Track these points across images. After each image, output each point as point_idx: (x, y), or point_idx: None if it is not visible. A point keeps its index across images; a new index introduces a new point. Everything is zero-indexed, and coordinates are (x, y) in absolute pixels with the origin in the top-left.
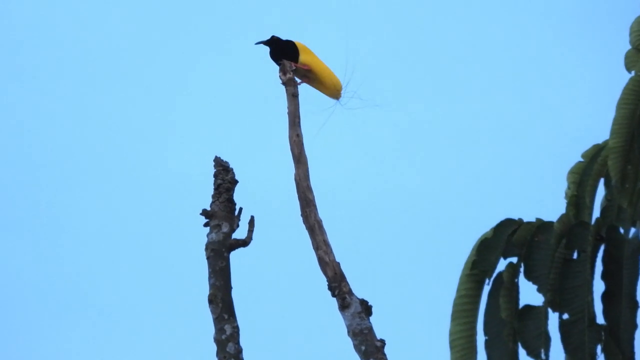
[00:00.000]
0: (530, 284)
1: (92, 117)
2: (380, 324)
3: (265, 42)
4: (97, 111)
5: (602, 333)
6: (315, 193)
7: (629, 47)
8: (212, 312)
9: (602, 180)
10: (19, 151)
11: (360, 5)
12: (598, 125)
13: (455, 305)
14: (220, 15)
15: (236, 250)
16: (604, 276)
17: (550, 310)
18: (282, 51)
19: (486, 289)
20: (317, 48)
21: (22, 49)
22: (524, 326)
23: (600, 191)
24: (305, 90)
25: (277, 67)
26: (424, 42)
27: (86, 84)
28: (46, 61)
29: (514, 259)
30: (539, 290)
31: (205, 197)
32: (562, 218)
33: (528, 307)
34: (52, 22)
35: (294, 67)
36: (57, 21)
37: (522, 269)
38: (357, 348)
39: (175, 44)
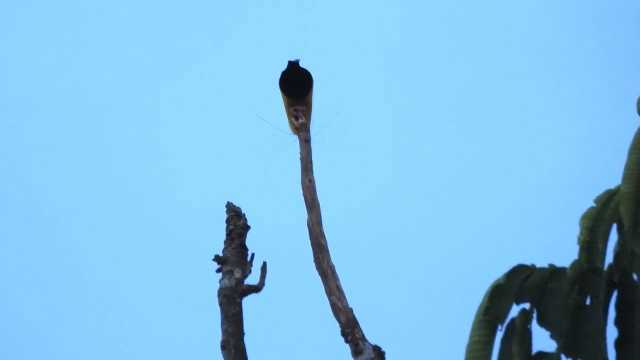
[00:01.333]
0: (543, 330)
1: (101, 161)
2: None
3: (291, 65)
4: (108, 155)
5: None
6: (328, 238)
7: None
8: (225, 358)
9: (614, 226)
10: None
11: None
12: (611, 171)
13: (468, 351)
14: (230, 54)
15: (249, 296)
16: (617, 322)
17: (563, 357)
18: (296, 79)
19: (499, 335)
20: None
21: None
22: None
23: (613, 236)
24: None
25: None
26: (427, 84)
27: (92, 126)
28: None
29: (527, 305)
30: (552, 336)
31: (217, 242)
32: (575, 264)
33: (541, 354)
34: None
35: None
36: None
37: (534, 315)
38: None
39: (186, 83)
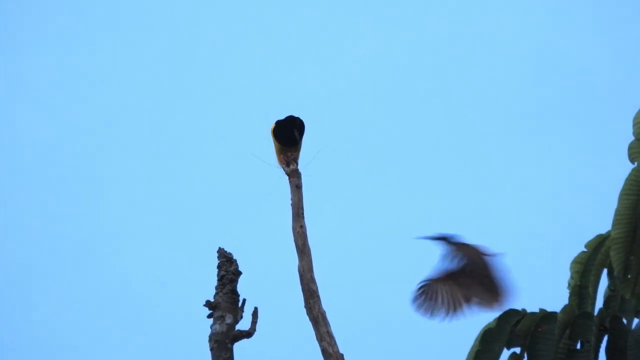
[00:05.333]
0: None
1: (92, 213)
2: None
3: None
4: (102, 192)
5: None
6: (318, 284)
7: (632, 138)
8: None
9: (605, 271)
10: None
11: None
12: (601, 215)
13: None
14: (221, 98)
15: (240, 341)
16: None
17: None
18: (289, 127)
19: None
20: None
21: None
22: None
23: (604, 281)
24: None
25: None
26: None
27: (80, 186)
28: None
29: (518, 349)
30: None
31: (209, 288)
32: (566, 308)
33: None
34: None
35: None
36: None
37: (525, 359)
38: None
39: (178, 129)
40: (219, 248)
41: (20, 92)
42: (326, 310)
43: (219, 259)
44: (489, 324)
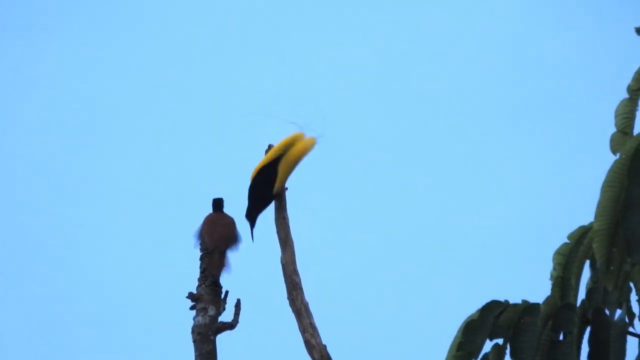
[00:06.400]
0: None
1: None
2: None
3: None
4: (86, 202)
5: None
6: (301, 276)
7: (613, 129)
8: None
9: (587, 262)
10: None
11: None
12: (584, 207)
13: None
14: (202, 89)
15: (222, 333)
16: (590, 358)
17: None
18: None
19: None
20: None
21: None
22: None
23: (586, 273)
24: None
25: (264, 144)
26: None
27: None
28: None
29: (500, 341)
30: None
31: (191, 280)
32: (548, 300)
33: None
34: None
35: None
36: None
37: (508, 351)
38: None
39: (160, 119)
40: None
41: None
42: (309, 302)
43: (201, 252)
44: (472, 315)
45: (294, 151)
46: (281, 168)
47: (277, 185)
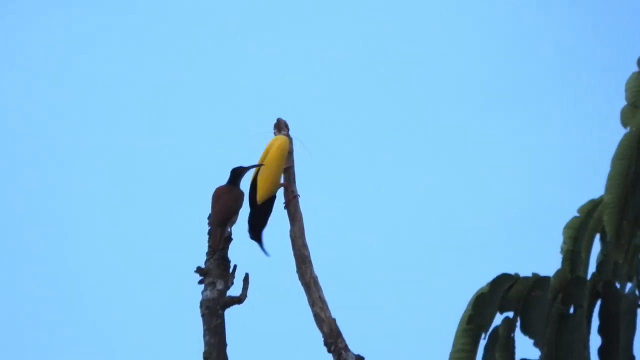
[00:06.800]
0: (526, 338)
1: (95, 167)
2: None
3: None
4: (99, 160)
5: None
6: (310, 249)
7: (623, 103)
8: None
9: (598, 236)
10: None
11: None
12: (594, 180)
13: (452, 359)
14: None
15: (231, 307)
16: (600, 331)
17: None
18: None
19: (482, 343)
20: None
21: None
22: None
23: (596, 246)
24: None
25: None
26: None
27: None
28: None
29: (510, 314)
30: (535, 344)
31: (199, 255)
32: (559, 273)
33: None
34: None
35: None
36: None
37: (518, 324)
38: None
39: (170, 90)
40: (210, 215)
41: None
42: (318, 276)
43: (209, 225)
44: (482, 288)
45: (269, 158)
46: (260, 177)
47: (259, 193)
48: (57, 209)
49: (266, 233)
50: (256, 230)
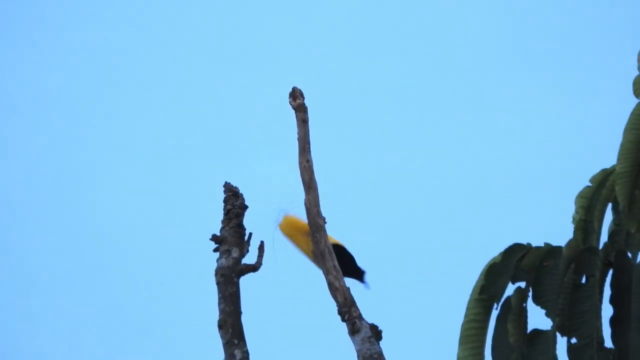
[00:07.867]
0: (538, 308)
1: (96, 154)
2: (390, 349)
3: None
4: (109, 143)
5: (611, 357)
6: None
7: (636, 72)
8: (222, 337)
9: (610, 205)
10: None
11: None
12: (607, 149)
13: (464, 329)
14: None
15: (246, 275)
16: (612, 301)
17: (558, 335)
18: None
19: (494, 313)
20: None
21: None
22: (532, 351)
23: (609, 216)
24: (315, 116)
25: (286, 92)
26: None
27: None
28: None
29: (523, 284)
30: (547, 314)
31: (215, 222)
32: (571, 243)
33: (536, 332)
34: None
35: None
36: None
37: (530, 294)
38: None
39: (185, 85)
40: (225, 182)
41: None
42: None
43: (225, 193)
44: (494, 258)
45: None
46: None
47: (309, 254)
48: (73, 177)
49: (280, 200)
50: (352, 269)
